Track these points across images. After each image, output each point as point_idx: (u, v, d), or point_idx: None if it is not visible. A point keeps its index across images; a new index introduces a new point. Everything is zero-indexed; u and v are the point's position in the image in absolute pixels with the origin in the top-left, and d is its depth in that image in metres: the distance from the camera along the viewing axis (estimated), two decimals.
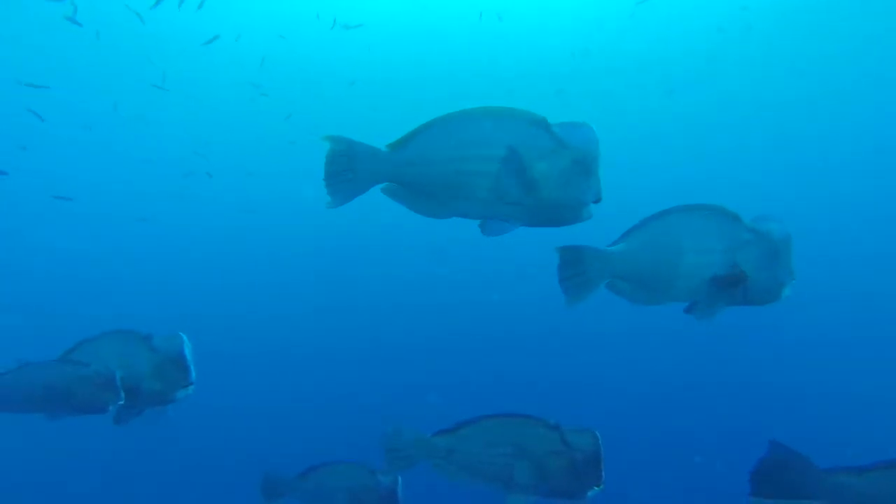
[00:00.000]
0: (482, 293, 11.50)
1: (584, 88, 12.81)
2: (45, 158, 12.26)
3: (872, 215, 12.97)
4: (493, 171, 1.73)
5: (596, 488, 2.09)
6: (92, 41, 10.22)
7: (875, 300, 10.95)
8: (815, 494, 1.88)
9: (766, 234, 1.87)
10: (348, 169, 1.79)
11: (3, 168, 9.88)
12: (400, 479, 2.93)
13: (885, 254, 12.00)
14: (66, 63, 10.89)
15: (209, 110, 12.61)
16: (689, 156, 14.03)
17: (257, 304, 12.28)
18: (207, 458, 7.65)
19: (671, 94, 12.86)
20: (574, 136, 1.74)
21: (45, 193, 11.35)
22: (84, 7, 9.25)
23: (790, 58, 12.17)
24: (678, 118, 13.56)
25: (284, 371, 10.31)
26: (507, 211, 1.77)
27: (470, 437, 2.15)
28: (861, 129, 13.22)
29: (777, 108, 13.11)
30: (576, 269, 1.89)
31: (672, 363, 9.28)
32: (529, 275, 9.50)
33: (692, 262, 1.87)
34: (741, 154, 13.75)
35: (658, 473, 6.83)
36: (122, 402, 2.42)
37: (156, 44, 10.98)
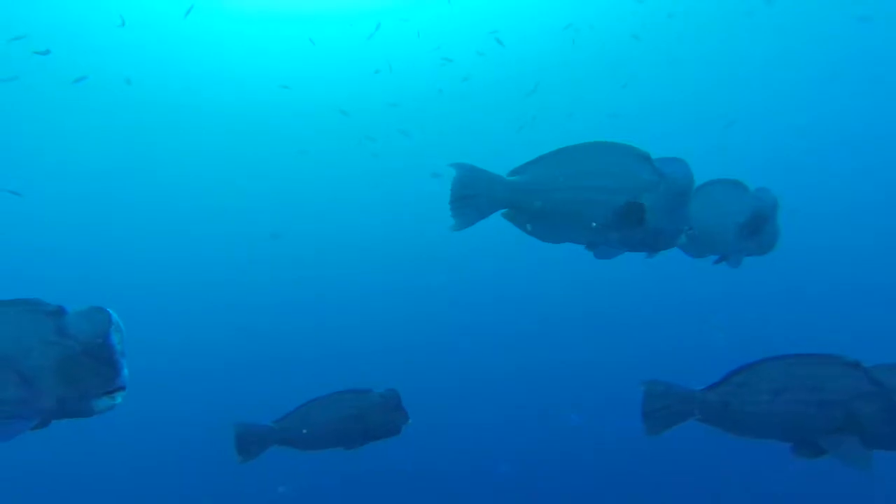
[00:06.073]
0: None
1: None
2: None
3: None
4: (605, 200, 1.86)
5: None
6: None
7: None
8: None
9: (770, 198, 2.53)
10: (473, 195, 1.88)
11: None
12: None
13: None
14: None
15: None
16: None
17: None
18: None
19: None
20: (672, 169, 1.91)
21: None
22: None
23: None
24: None
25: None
26: (614, 237, 1.90)
27: (749, 386, 1.93)
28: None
29: None
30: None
31: None
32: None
33: (730, 222, 2.48)
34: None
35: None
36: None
37: None
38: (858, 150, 12.93)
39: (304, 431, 2.59)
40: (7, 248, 11.48)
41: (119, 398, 1.60)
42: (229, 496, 6.60)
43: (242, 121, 11.83)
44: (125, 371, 1.61)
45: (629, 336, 9.69)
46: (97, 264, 11.81)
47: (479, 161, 2.02)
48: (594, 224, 1.87)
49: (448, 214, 1.91)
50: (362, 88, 11.10)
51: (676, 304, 10.01)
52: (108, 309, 1.62)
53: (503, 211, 1.91)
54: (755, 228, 2.50)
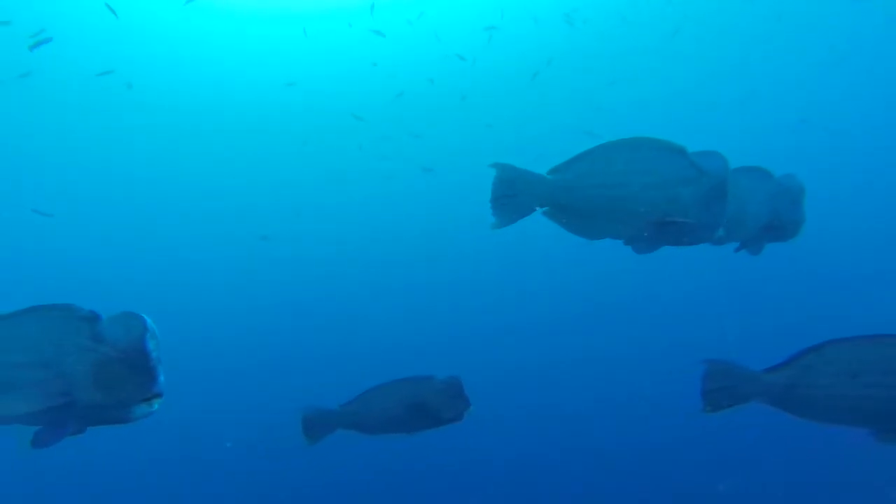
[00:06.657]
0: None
1: None
2: None
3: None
4: (645, 196, 1.88)
5: None
6: None
7: None
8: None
9: (795, 187, 2.42)
10: (512, 193, 1.90)
11: None
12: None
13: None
14: None
15: None
16: None
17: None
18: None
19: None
20: (709, 163, 1.90)
21: None
22: None
23: None
24: None
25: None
26: (653, 232, 1.92)
27: (817, 368, 1.84)
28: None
29: None
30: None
31: None
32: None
33: (753, 212, 2.38)
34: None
35: None
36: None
37: None
38: (859, 136, 12.98)
39: (369, 416, 2.65)
40: (7, 251, 11.46)
41: (156, 405, 1.59)
42: (298, 478, 6.77)
43: (241, 120, 11.79)
44: (161, 378, 1.59)
45: (650, 326, 9.70)
46: (122, 268, 11.82)
47: (482, 154, 2.01)
48: (635, 220, 1.89)
49: (460, 211, 1.92)
50: (362, 86, 11.05)
51: (690, 292, 10.00)
52: (143, 315, 1.60)
53: (543, 209, 1.92)
54: (782, 222, 2.48)
